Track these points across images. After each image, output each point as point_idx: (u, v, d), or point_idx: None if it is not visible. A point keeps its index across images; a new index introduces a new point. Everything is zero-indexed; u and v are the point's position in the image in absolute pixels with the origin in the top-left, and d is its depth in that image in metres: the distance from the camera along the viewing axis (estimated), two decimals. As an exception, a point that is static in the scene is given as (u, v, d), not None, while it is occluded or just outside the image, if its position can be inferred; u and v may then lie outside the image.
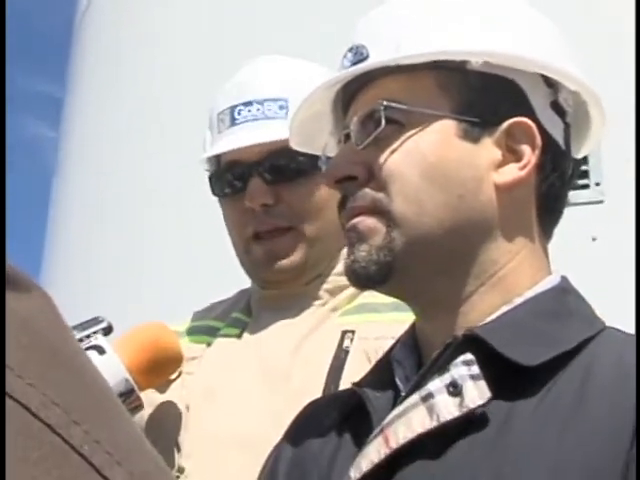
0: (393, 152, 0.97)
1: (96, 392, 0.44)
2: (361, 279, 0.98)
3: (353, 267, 0.98)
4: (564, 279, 1.01)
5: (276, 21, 3.28)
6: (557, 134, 1.01)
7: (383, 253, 0.96)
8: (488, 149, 0.98)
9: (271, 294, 1.49)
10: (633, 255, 2.57)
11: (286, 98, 1.44)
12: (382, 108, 0.97)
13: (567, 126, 1.03)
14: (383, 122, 0.97)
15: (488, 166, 0.97)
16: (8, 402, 0.39)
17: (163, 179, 3.55)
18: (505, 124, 0.98)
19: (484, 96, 0.98)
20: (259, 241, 1.45)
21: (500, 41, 0.99)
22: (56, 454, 0.39)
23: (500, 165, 0.98)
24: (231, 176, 1.47)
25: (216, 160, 1.50)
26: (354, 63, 1.01)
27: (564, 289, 1.00)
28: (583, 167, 2.82)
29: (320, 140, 1.10)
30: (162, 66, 3.78)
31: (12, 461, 0.38)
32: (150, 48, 3.88)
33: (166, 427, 1.41)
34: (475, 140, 0.97)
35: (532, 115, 0.99)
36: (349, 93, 1.03)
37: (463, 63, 0.98)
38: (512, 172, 0.98)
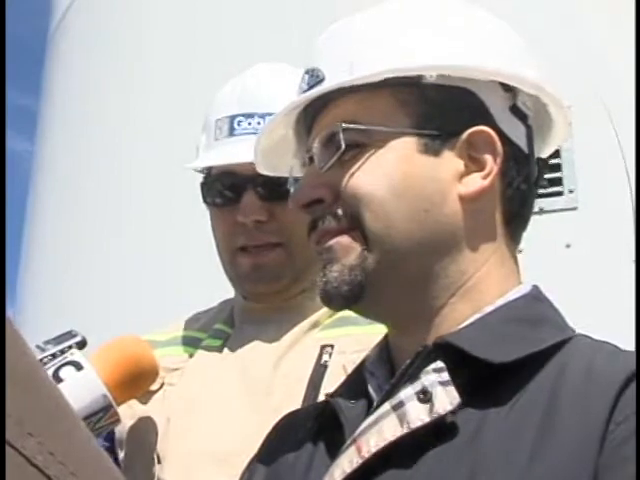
0: (357, 172, 0.97)
1: (52, 406, 0.44)
2: (333, 299, 0.98)
3: (325, 288, 0.98)
4: (535, 287, 1.01)
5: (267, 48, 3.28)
6: (519, 138, 1.02)
7: (355, 273, 0.96)
8: (450, 161, 0.98)
9: (254, 307, 1.48)
10: (607, 262, 2.59)
11: None
12: (341, 130, 0.98)
13: (529, 129, 1.04)
14: (343, 145, 0.97)
15: (451, 178, 0.98)
16: None
17: (141, 189, 3.54)
18: (465, 134, 0.98)
19: (442, 108, 0.99)
20: (246, 253, 1.45)
21: (452, 52, 0.99)
22: (10, 466, 0.39)
23: (463, 175, 0.98)
24: (224, 186, 1.46)
25: (208, 167, 1.49)
26: (311, 86, 1.01)
27: (535, 297, 1.00)
28: (557, 174, 2.84)
29: (286, 163, 1.10)
30: (139, 76, 3.77)
31: None
32: (127, 58, 3.87)
33: (147, 439, 1.40)
34: (436, 153, 0.98)
35: (492, 122, 0.99)
36: (310, 115, 1.04)
37: (418, 78, 0.98)
38: (475, 182, 0.98)
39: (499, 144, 0.98)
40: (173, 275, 3.21)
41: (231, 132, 1.46)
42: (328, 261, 0.98)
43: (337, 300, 0.98)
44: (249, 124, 1.45)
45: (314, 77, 1.01)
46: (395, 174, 0.96)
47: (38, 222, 4.18)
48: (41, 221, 4.15)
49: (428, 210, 0.96)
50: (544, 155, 1.10)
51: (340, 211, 0.98)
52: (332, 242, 0.98)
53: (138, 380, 1.38)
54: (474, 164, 0.98)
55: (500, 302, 0.97)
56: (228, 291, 1.54)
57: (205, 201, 1.49)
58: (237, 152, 1.42)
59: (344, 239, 0.97)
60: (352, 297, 0.97)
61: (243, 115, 1.45)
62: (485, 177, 0.98)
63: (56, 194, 4.04)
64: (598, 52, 2.88)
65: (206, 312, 1.57)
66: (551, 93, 1.03)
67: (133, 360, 1.37)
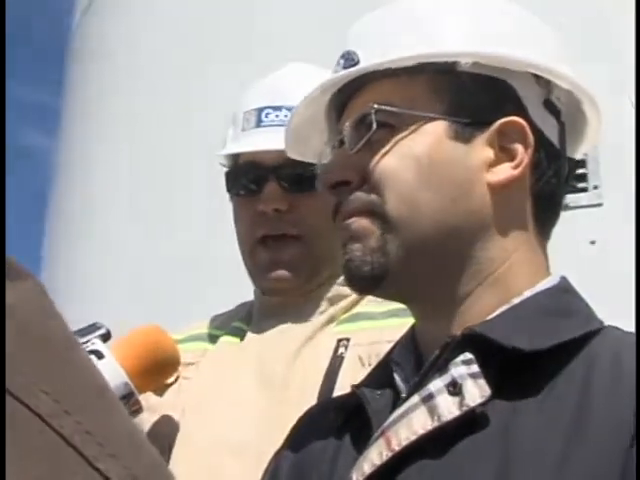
0: (386, 155, 0.97)
1: (89, 383, 0.43)
2: (356, 280, 0.98)
3: (349, 266, 0.98)
4: (564, 279, 1.01)
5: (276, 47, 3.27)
6: (550, 133, 1.01)
7: (377, 255, 0.96)
8: (480, 149, 0.98)
9: (272, 301, 1.49)
10: (632, 258, 2.57)
11: None
12: (373, 111, 0.97)
13: (562, 125, 1.03)
14: (374, 125, 0.97)
15: (481, 166, 0.97)
16: None
17: (162, 183, 3.55)
18: (497, 124, 0.98)
19: (475, 96, 0.98)
20: (265, 247, 1.45)
21: (488, 41, 0.99)
22: (46, 445, 0.38)
23: (493, 164, 0.98)
24: (248, 177, 1.47)
25: (234, 158, 1.50)
26: (345, 68, 1.01)
27: (564, 288, 0.99)
28: (582, 170, 2.82)
29: (316, 148, 1.10)
30: (157, 73, 3.78)
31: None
32: (146, 54, 3.88)
33: (162, 431, 1.41)
34: (467, 140, 0.97)
35: (524, 114, 0.99)
36: (343, 99, 1.03)
37: (453, 64, 0.98)
38: (505, 171, 0.97)
39: (531, 136, 0.98)
40: (193, 274, 3.22)
41: (258, 123, 1.47)
42: (348, 239, 0.98)
43: (360, 281, 0.98)
44: (276, 116, 1.45)
45: (349, 60, 1.01)
46: (423, 158, 0.96)
47: (60, 217, 4.20)
48: (63, 216, 4.17)
49: (456, 197, 0.96)
50: (576, 156, 1.09)
51: (365, 193, 0.97)
52: (350, 221, 0.98)
53: (160, 369, 1.39)
54: (504, 154, 0.98)
55: (528, 293, 0.97)
56: (248, 293, 1.55)
57: (229, 191, 1.50)
58: (263, 141, 1.43)
59: (362, 220, 0.97)
60: (374, 278, 0.97)
61: (271, 107, 1.46)
62: (515, 167, 0.98)
63: (77, 189, 4.05)
64: (625, 48, 2.86)
65: (223, 313, 1.58)
66: (586, 90, 1.03)
67: (155, 349, 1.38)
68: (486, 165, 0.97)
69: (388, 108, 0.97)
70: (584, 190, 2.84)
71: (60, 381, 0.40)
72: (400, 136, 0.97)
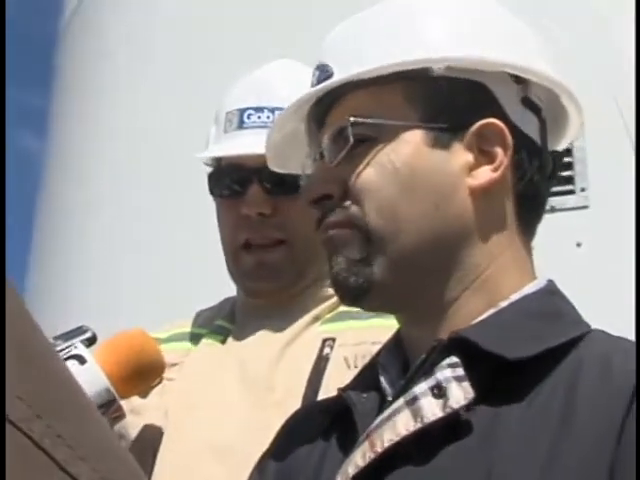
0: (366, 167, 0.97)
1: (63, 389, 0.43)
2: (343, 290, 0.99)
3: (336, 279, 0.98)
4: (550, 282, 1.01)
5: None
6: (531, 130, 1.01)
7: (361, 267, 0.96)
8: (460, 153, 0.97)
9: (256, 303, 1.48)
10: (618, 260, 2.57)
11: None
12: (349, 124, 0.97)
13: (542, 122, 1.03)
14: (351, 139, 0.97)
15: (461, 170, 0.97)
16: None
17: (151, 184, 3.54)
18: (474, 127, 0.97)
19: (451, 101, 0.98)
20: (249, 251, 1.45)
21: (459, 44, 0.99)
22: (15, 448, 0.38)
23: (473, 168, 0.97)
24: (231, 179, 1.46)
25: (217, 159, 1.50)
26: (320, 81, 1.01)
27: (550, 291, 0.99)
28: (568, 173, 2.83)
29: (299, 160, 1.10)
30: (150, 72, 3.77)
31: None
32: (138, 55, 3.87)
33: (145, 433, 1.40)
34: (445, 146, 0.97)
35: (502, 115, 0.99)
36: (322, 110, 1.03)
37: (426, 71, 0.97)
38: (485, 174, 0.97)
39: (509, 136, 0.98)
40: (179, 273, 3.21)
41: (240, 125, 1.46)
42: (332, 251, 0.98)
43: (348, 293, 0.98)
44: (259, 117, 1.45)
45: (324, 72, 1.01)
46: (402, 168, 0.96)
47: (48, 219, 4.19)
48: (52, 218, 4.16)
49: (438, 204, 0.96)
50: (560, 147, 1.10)
51: (347, 206, 0.97)
52: (332, 233, 0.98)
53: (144, 374, 1.38)
54: (484, 157, 0.98)
55: (515, 297, 0.97)
56: (232, 289, 1.54)
57: (212, 193, 1.49)
58: (245, 144, 1.43)
59: (343, 232, 0.97)
60: (360, 290, 0.97)
61: (253, 108, 1.45)
62: (495, 169, 0.97)
63: (67, 191, 4.04)
64: (612, 51, 2.87)
65: (207, 309, 1.57)
66: (561, 84, 1.02)
67: (139, 354, 1.36)
68: (466, 169, 0.97)
69: (364, 120, 0.97)
70: (571, 193, 2.84)
71: (34, 386, 0.40)
72: (378, 147, 0.97)
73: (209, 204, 1.52)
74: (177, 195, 3.34)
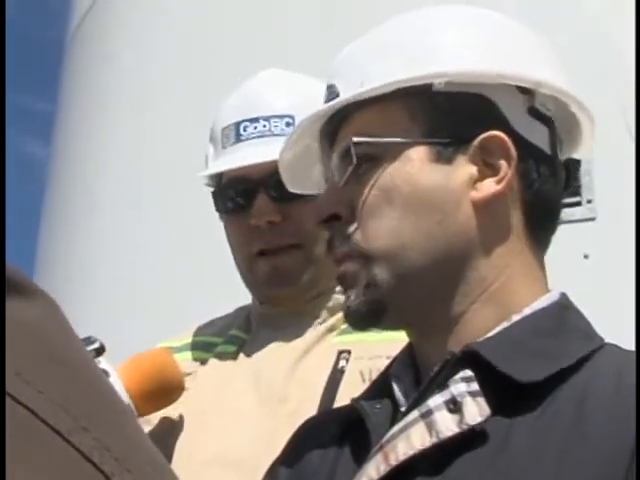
0: (370, 187, 0.98)
1: (105, 400, 0.44)
2: (357, 321, 1.00)
3: (348, 312, 1.00)
4: (563, 295, 1.01)
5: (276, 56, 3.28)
6: (539, 140, 1.01)
7: (370, 292, 0.97)
8: (463, 167, 0.98)
9: (271, 311, 1.48)
10: (625, 272, 2.57)
11: (293, 115, 1.43)
12: (352, 144, 0.98)
13: (552, 129, 1.02)
14: (354, 159, 0.98)
15: (464, 184, 0.97)
16: (17, 408, 0.39)
17: (155, 194, 3.55)
18: (477, 140, 0.98)
19: (453, 115, 0.98)
20: (264, 257, 1.44)
21: (459, 58, 0.99)
22: (66, 461, 0.39)
23: (477, 181, 0.98)
24: (235, 193, 1.45)
25: (218, 176, 1.49)
26: (327, 101, 1.03)
27: (563, 305, 1.00)
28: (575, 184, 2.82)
29: (315, 178, 1.11)
30: (155, 82, 3.78)
31: (21, 468, 0.37)
32: (143, 65, 3.88)
33: (159, 445, 1.40)
34: (449, 161, 0.97)
35: (506, 126, 0.99)
36: (333, 129, 1.04)
37: (427, 86, 0.98)
38: (489, 187, 0.97)
39: (512, 148, 0.98)
40: (190, 282, 3.21)
41: (238, 138, 1.46)
42: (345, 287, 1.00)
43: (360, 322, 1.00)
44: (255, 128, 1.45)
45: (332, 93, 1.02)
46: (405, 187, 0.97)
47: (53, 226, 4.20)
48: (56, 226, 4.17)
49: (441, 221, 0.96)
50: (578, 156, 1.09)
51: (352, 230, 0.98)
52: (343, 269, 1.00)
53: (164, 395, 1.38)
54: (489, 169, 0.98)
55: (528, 311, 0.97)
56: (246, 298, 1.54)
57: (218, 209, 1.49)
58: (245, 156, 1.43)
59: (351, 265, 0.98)
60: (373, 316, 0.98)
61: (248, 120, 1.45)
62: (499, 182, 0.97)
63: (72, 199, 4.05)
64: (618, 62, 2.87)
65: (221, 318, 1.57)
66: (568, 92, 1.02)
67: (161, 373, 1.37)
68: (471, 182, 0.97)
69: (366, 139, 0.98)
70: (578, 204, 2.84)
71: (78, 398, 0.41)
72: (382, 166, 0.98)
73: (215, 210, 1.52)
74: (182, 201, 3.34)
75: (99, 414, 0.42)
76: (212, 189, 1.50)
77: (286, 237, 1.43)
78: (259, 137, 1.43)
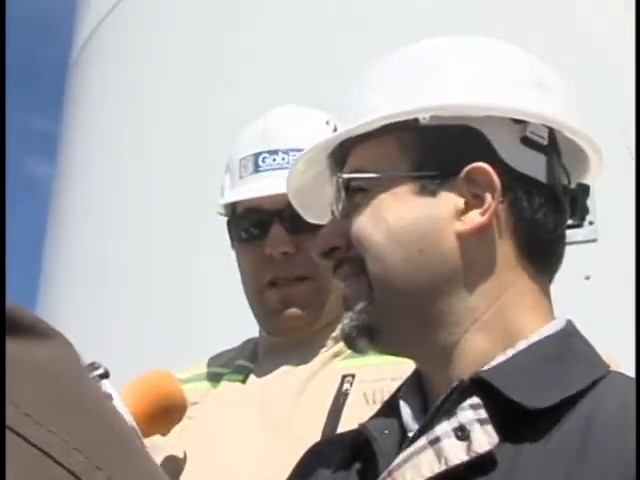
0: (361, 219, 1.01)
1: (118, 437, 0.44)
2: (348, 344, 1.03)
3: (342, 335, 1.03)
4: (569, 322, 1.01)
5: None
6: (532, 168, 1.00)
7: (361, 317, 1.00)
8: (449, 199, 0.99)
9: (278, 341, 1.49)
10: (627, 294, 2.57)
11: None
12: (341, 181, 1.02)
13: (550, 157, 1.02)
14: (343, 194, 1.02)
15: (449, 216, 0.98)
16: (29, 449, 0.39)
17: (161, 214, 3.55)
18: (463, 172, 0.99)
19: (439, 149, 1.00)
20: (274, 287, 1.46)
21: (446, 92, 1.00)
22: None
23: (463, 213, 0.99)
24: (250, 223, 1.48)
25: (232, 205, 1.51)
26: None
27: (568, 332, 1.00)
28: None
29: (326, 210, 1.12)
30: (159, 102, 3.79)
31: None
32: (147, 86, 3.90)
33: (167, 473, 1.40)
34: (433, 193, 0.99)
35: (495, 157, 0.99)
36: (338, 161, 1.07)
37: (414, 121, 0.99)
38: (473, 219, 0.98)
39: (496, 179, 0.98)
40: (198, 312, 3.21)
41: (256, 169, 1.47)
42: (345, 309, 1.03)
43: (353, 345, 1.02)
44: (274, 160, 1.47)
45: (333, 127, 1.06)
46: (390, 219, 0.99)
47: (56, 247, 4.20)
48: (59, 247, 4.17)
49: (422, 250, 0.98)
50: (587, 181, 1.08)
51: (353, 257, 1.01)
52: (345, 291, 1.02)
53: (167, 415, 1.40)
54: (476, 200, 0.99)
55: (534, 338, 0.97)
56: (253, 330, 1.55)
57: (231, 238, 1.50)
58: (263, 186, 1.45)
59: (352, 286, 1.02)
60: (363, 340, 1.00)
61: (267, 152, 1.47)
62: (483, 213, 0.98)
63: (75, 218, 4.06)
64: (617, 84, 2.88)
65: (229, 350, 1.59)
66: (559, 121, 1.02)
67: (164, 394, 1.39)
68: (457, 214, 0.99)
69: (355, 175, 1.02)
70: (579, 226, 2.84)
71: (90, 437, 0.42)
72: (373, 200, 1.01)
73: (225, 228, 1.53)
74: (189, 221, 3.34)
75: (112, 452, 0.42)
76: (227, 218, 1.52)
77: (298, 268, 1.45)
78: (278, 169, 1.44)
